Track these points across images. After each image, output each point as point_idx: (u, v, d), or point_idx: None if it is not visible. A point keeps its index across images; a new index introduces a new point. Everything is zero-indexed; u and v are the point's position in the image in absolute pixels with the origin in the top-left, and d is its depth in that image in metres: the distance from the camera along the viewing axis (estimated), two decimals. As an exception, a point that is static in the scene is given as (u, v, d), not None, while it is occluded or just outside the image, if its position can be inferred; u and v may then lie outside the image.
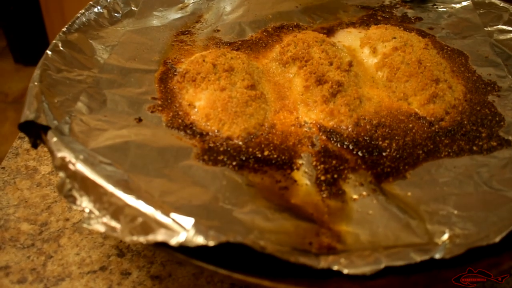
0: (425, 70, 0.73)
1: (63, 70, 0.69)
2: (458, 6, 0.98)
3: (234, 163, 0.59)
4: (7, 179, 0.73)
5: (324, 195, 0.56)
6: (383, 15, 0.97)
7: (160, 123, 0.64)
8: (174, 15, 0.91)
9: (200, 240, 0.45)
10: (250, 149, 0.61)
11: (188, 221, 0.47)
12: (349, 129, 0.66)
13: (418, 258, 0.47)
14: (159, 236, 0.46)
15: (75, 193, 0.50)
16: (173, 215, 0.47)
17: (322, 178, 0.58)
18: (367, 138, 0.65)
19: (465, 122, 0.68)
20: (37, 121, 0.57)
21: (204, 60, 0.72)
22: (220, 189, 0.54)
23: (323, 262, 0.47)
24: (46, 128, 0.57)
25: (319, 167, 0.60)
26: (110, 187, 0.50)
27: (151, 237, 0.46)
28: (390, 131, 0.66)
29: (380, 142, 0.64)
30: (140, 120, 0.64)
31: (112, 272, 0.61)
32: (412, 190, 0.57)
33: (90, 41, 0.78)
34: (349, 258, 0.47)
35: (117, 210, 0.48)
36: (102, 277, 0.60)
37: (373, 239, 0.51)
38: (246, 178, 0.57)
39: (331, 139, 0.64)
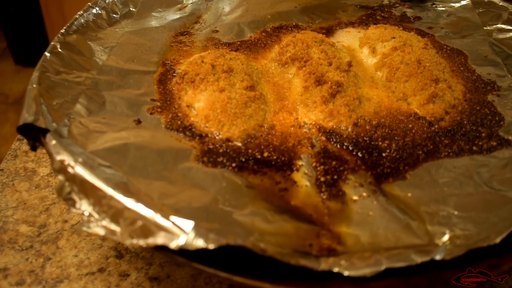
0: (425, 70, 0.73)
1: (61, 72, 0.69)
2: (457, 5, 0.98)
3: (233, 164, 0.59)
4: (5, 181, 0.73)
5: (324, 197, 0.56)
6: (382, 14, 0.96)
7: (159, 124, 0.64)
8: (172, 15, 0.91)
9: (200, 243, 0.45)
10: (250, 151, 0.61)
11: (188, 224, 0.47)
12: (349, 130, 0.66)
13: (418, 259, 0.47)
14: (159, 239, 0.46)
15: (75, 196, 0.50)
16: (173, 218, 0.47)
17: (322, 179, 0.58)
18: (367, 138, 0.64)
19: (465, 122, 0.68)
20: (35, 124, 0.56)
21: (203, 61, 0.72)
22: (219, 191, 0.54)
23: (323, 264, 0.47)
24: (45, 131, 0.56)
25: (319, 168, 0.60)
26: (109, 190, 0.49)
27: (151, 240, 0.46)
28: (389, 132, 0.66)
29: (380, 143, 0.64)
30: (139, 122, 0.64)
31: (111, 274, 0.61)
32: (412, 191, 0.57)
33: (89, 42, 0.78)
34: (349, 260, 0.47)
35: (117, 213, 0.48)
36: (101, 278, 0.60)
37: (374, 240, 0.51)
38: (246, 180, 0.57)
39: (331, 140, 0.64)
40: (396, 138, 0.65)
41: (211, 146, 0.61)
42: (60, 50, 0.72)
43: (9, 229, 0.66)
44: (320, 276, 0.46)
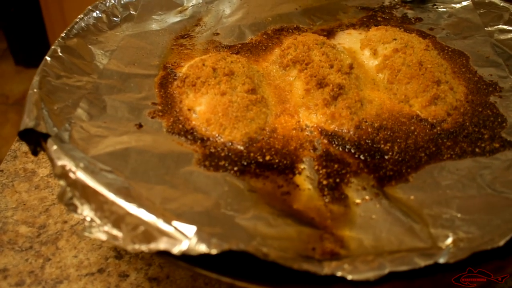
0: (426, 71, 0.72)
1: (62, 76, 0.69)
2: (458, 6, 0.97)
3: (235, 168, 0.59)
4: (5, 181, 0.73)
5: (327, 200, 0.56)
6: (383, 16, 0.96)
7: (160, 128, 0.64)
8: (173, 18, 0.91)
9: (202, 248, 0.45)
10: (252, 154, 0.61)
11: (190, 229, 0.46)
12: (351, 133, 0.65)
13: (422, 263, 0.46)
14: (161, 244, 0.45)
15: (76, 202, 0.50)
16: (175, 223, 0.47)
17: (324, 182, 0.58)
18: (369, 141, 0.64)
19: (467, 123, 0.68)
20: (36, 129, 0.56)
21: (204, 64, 0.72)
22: (222, 195, 0.54)
23: (326, 268, 0.46)
24: (46, 136, 0.56)
25: (321, 172, 0.59)
26: (111, 196, 0.49)
27: (153, 246, 0.46)
28: (392, 134, 0.66)
29: (382, 145, 0.64)
30: (140, 126, 0.63)
31: (110, 274, 0.61)
32: (415, 194, 0.57)
33: (89, 46, 0.77)
34: (352, 264, 0.47)
35: (119, 218, 0.48)
36: (100, 279, 0.61)
37: (377, 244, 0.50)
38: (248, 184, 0.57)
39: (333, 142, 0.64)
40: (398, 140, 0.65)
41: (212, 150, 0.61)
42: (60, 54, 0.72)
43: (9, 230, 0.66)
44: (323, 280, 0.46)
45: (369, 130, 0.66)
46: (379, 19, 0.95)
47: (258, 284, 0.46)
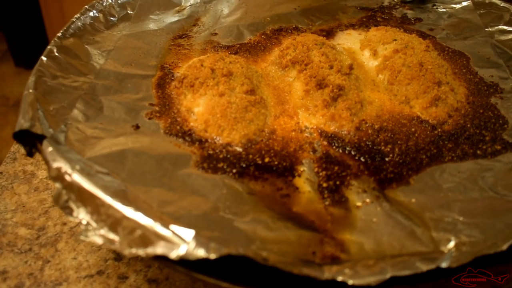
0: (427, 72, 0.72)
1: (58, 76, 0.68)
2: (458, 6, 0.97)
3: (234, 170, 0.58)
4: (4, 184, 0.73)
5: (327, 203, 0.55)
6: (383, 16, 0.96)
7: (158, 130, 0.63)
8: (171, 18, 0.90)
9: (201, 253, 0.44)
10: (250, 156, 0.60)
11: (188, 233, 0.46)
12: (351, 134, 0.65)
13: (424, 267, 0.46)
14: (159, 249, 0.45)
15: (72, 205, 0.49)
16: (173, 227, 0.46)
17: (324, 185, 0.57)
18: (369, 143, 0.63)
19: (468, 125, 0.67)
20: (32, 130, 0.55)
21: (202, 65, 0.71)
22: (220, 198, 0.53)
23: (327, 273, 0.45)
24: (41, 137, 0.55)
25: (321, 174, 0.59)
26: (107, 199, 0.48)
27: (151, 250, 0.45)
28: (392, 136, 0.65)
29: (383, 147, 0.63)
30: (137, 127, 0.63)
31: (109, 276, 0.61)
32: (416, 196, 0.56)
33: (86, 46, 0.77)
34: (353, 268, 0.46)
35: (115, 222, 0.47)
36: (100, 281, 0.60)
37: (378, 248, 0.50)
38: (247, 186, 0.56)
39: (333, 144, 0.63)
40: (399, 142, 0.64)
41: (211, 152, 0.60)
42: (56, 54, 0.71)
43: (8, 232, 0.65)
44: (323, 285, 0.45)
45: (370, 131, 0.65)
46: (378, 19, 0.94)
47: (258, 289, 0.45)
